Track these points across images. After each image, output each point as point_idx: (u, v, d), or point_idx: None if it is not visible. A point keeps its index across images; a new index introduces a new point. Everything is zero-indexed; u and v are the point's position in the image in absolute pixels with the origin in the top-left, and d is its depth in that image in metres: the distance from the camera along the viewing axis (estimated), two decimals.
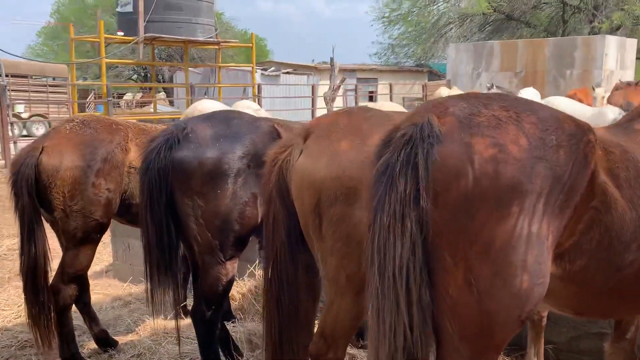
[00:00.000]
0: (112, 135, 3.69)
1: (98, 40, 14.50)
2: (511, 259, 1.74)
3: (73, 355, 3.77)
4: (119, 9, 15.83)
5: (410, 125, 1.84)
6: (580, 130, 1.88)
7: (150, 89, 39.48)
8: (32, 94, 20.27)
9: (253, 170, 3.15)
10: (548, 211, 1.77)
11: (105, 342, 4.14)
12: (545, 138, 1.80)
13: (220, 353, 3.49)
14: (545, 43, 22.62)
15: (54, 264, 3.84)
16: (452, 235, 1.75)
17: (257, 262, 4.81)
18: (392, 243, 1.79)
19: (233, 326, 4.21)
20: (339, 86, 20.22)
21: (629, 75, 23.03)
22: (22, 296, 5.26)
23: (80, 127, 3.65)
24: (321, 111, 20.13)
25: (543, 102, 7.34)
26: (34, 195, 3.48)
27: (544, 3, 29.47)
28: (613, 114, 7.82)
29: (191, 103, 15.68)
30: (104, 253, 6.48)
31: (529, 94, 15.81)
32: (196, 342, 4.18)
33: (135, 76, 41.52)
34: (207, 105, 7.23)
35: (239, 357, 3.72)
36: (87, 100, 30.21)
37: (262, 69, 23.87)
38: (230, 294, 4.35)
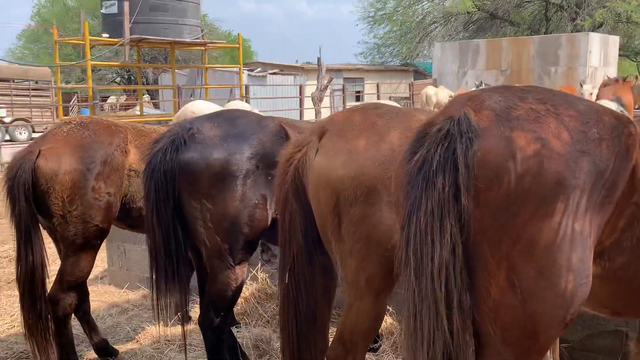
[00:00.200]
0: (112, 137, 3.56)
1: (83, 42, 14.23)
2: (556, 257, 1.66)
3: None
4: (103, 11, 15.55)
5: (446, 119, 1.76)
6: (620, 122, 1.81)
7: (134, 91, 39.14)
8: (14, 98, 19.88)
9: (262, 171, 3.05)
10: (590, 208, 1.70)
11: (106, 351, 4.01)
12: (587, 131, 1.73)
13: None
14: (530, 41, 22.79)
15: (50, 269, 3.71)
16: (494, 234, 1.66)
17: (259, 265, 4.70)
18: (430, 244, 1.70)
19: (238, 331, 4.10)
20: (327, 86, 20.16)
21: (612, 72, 23.25)
22: (16, 305, 5.12)
23: (78, 129, 3.51)
24: (309, 111, 20.05)
25: None
26: (31, 201, 3.34)
27: (526, 1, 29.70)
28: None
29: (178, 105, 15.48)
30: (97, 258, 6.29)
31: None
32: (200, 349, 4.07)
33: (118, 79, 41.04)
34: (199, 107, 7.08)
35: None
36: (71, 103, 29.78)
37: (248, 70, 23.71)
38: None
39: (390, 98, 27.51)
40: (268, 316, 4.37)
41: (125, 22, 14.22)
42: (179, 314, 4.55)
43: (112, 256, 5.59)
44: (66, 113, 23.73)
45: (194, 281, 3.77)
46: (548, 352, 3.35)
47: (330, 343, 2.69)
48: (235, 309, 4.49)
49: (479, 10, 27.62)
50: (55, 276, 3.66)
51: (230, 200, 2.96)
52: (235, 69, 22.12)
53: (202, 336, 3.35)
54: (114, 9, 14.95)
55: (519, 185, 1.64)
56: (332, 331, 2.93)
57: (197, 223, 2.99)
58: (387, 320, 4.01)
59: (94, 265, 6.18)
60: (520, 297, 1.68)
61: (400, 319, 2.20)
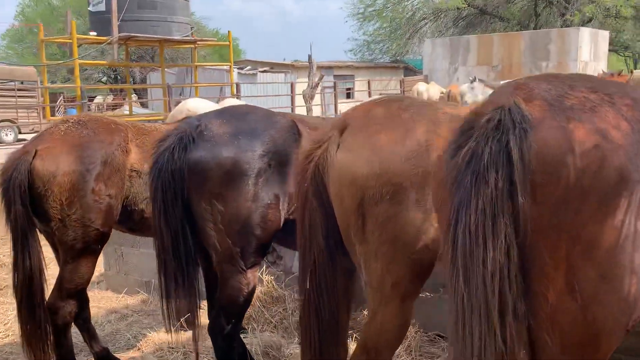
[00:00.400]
0: (112, 136, 3.38)
1: (70, 41, 13.93)
2: (619, 259, 1.52)
3: None
4: (90, 8, 15.24)
5: (496, 109, 1.61)
6: None
7: (121, 91, 38.65)
8: None
9: (274, 169, 2.89)
10: None
11: None
12: None
13: None
14: (521, 36, 22.80)
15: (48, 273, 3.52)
16: (552, 234, 1.52)
17: (264, 267, 4.54)
18: (482, 245, 1.55)
19: (245, 337, 3.93)
20: (318, 83, 19.99)
21: (602, 66, 23.36)
22: (10, 313, 4.91)
23: (76, 127, 3.32)
24: (300, 109, 19.86)
25: None
26: (28, 204, 3.14)
27: None
28: None
29: (169, 104, 15.23)
30: None
31: None
32: (205, 356, 3.91)
33: (105, 78, 40.52)
34: (195, 104, 6.89)
35: None
36: (57, 104, 29.29)
37: (238, 68, 23.46)
38: None
39: (380, 95, 27.46)
40: (275, 320, 4.21)
41: (114, 20, 13.94)
42: (181, 319, 4.39)
43: (109, 260, 5.39)
44: (52, 114, 23.32)
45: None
46: None
47: (353, 351, 2.55)
48: None
49: (468, 6, 27.59)
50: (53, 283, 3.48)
51: (242, 201, 2.80)
52: (224, 67, 21.88)
53: (211, 343, 3.20)
54: (102, 7, 14.65)
55: (579, 181, 1.49)
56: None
57: (207, 225, 2.83)
58: None
59: None
60: (580, 301, 1.54)
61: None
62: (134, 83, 31.40)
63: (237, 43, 46.43)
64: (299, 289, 2.49)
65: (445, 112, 2.43)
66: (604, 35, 23.42)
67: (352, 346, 2.83)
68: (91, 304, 5.08)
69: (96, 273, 5.88)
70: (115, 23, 13.91)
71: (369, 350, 2.44)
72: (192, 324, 3.03)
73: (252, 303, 4.47)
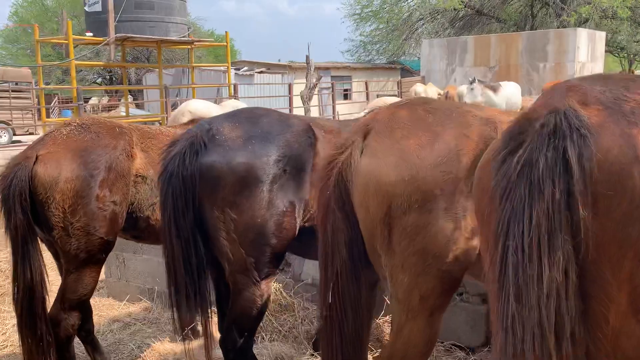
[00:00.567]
0: (116, 140, 3.23)
1: (66, 41, 13.72)
2: None
3: None
4: (86, 8, 15.02)
5: (550, 112, 1.47)
6: None
7: (116, 92, 38.34)
8: None
9: (290, 175, 2.75)
10: None
11: None
12: None
13: None
14: (518, 37, 22.76)
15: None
16: (616, 251, 1.39)
17: None
18: (537, 263, 1.42)
19: (254, 348, 3.79)
20: (316, 84, 19.85)
21: (599, 67, 23.35)
22: (8, 322, 4.75)
23: (79, 131, 3.17)
24: (298, 110, 19.71)
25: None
26: (29, 213, 2.99)
27: None
28: None
29: (166, 105, 15.05)
30: None
31: (511, 88, 15.77)
32: None
33: (99, 80, 40.21)
34: (196, 106, 6.75)
35: None
36: (52, 105, 29.00)
37: (235, 69, 23.28)
38: None
39: (377, 96, 27.32)
40: (285, 330, 4.07)
41: (110, 20, 13.74)
42: (187, 329, 4.24)
43: (110, 266, 5.23)
44: (47, 115, 23.02)
45: None
46: None
47: None
48: None
49: (465, 7, 27.52)
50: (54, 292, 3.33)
51: (257, 209, 2.66)
52: (221, 68, 21.70)
53: (220, 354, 3.05)
54: (98, 7, 14.44)
55: None
56: None
57: (219, 234, 2.68)
58: None
59: None
60: None
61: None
62: (129, 84, 31.14)
63: (233, 44, 46.22)
64: (320, 303, 2.35)
65: (475, 115, 2.31)
66: (601, 36, 23.40)
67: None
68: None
69: None
70: (112, 23, 13.71)
71: None
72: (204, 336, 2.88)
73: None
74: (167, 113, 14.86)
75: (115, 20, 13.87)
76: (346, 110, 23.50)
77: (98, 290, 5.51)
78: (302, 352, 3.82)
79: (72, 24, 13.95)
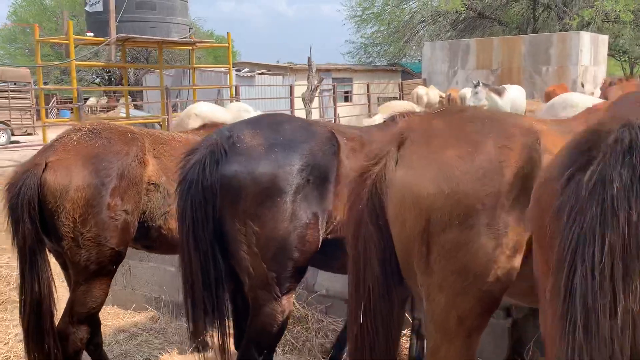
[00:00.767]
0: (128, 146, 3.09)
1: (66, 41, 13.57)
2: None
3: None
4: (87, 8, 14.87)
5: (623, 127, 1.35)
6: None
7: (114, 92, 38.15)
8: None
9: (313, 185, 2.61)
10: None
11: None
12: None
13: None
14: (521, 40, 22.69)
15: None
16: None
17: None
18: (610, 292, 1.29)
19: None
20: (317, 86, 19.73)
21: (601, 71, 23.30)
22: (10, 331, 4.60)
23: (89, 137, 3.03)
24: (299, 112, 19.60)
25: (560, 99, 7.00)
26: (37, 222, 2.85)
27: (514, 1, 29.64)
28: None
29: (166, 106, 14.90)
30: None
31: (515, 92, 15.67)
32: None
33: (98, 80, 40.03)
34: (202, 109, 6.62)
35: None
36: (50, 105, 28.83)
37: (236, 70, 23.15)
38: None
39: (378, 98, 27.20)
40: (299, 343, 3.93)
41: (111, 21, 13.59)
42: (197, 341, 4.10)
43: (116, 274, 5.07)
44: (46, 116, 22.81)
45: None
46: None
47: None
48: None
49: (467, 9, 27.44)
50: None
51: (280, 221, 2.52)
52: (222, 70, 21.57)
53: None
54: (99, 7, 14.28)
55: None
56: None
57: (240, 248, 2.55)
58: None
59: None
60: None
61: None
62: (128, 85, 30.97)
63: (232, 45, 46.12)
64: (350, 322, 2.22)
65: (515, 124, 2.18)
66: (604, 39, 23.35)
67: None
68: None
69: None
70: (113, 24, 13.56)
71: None
72: (220, 353, 2.74)
73: None
74: (167, 114, 14.72)
75: (116, 21, 13.72)
76: (347, 113, 23.39)
77: None
78: None
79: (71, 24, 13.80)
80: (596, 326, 1.32)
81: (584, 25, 25.96)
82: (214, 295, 2.57)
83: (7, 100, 19.63)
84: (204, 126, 3.92)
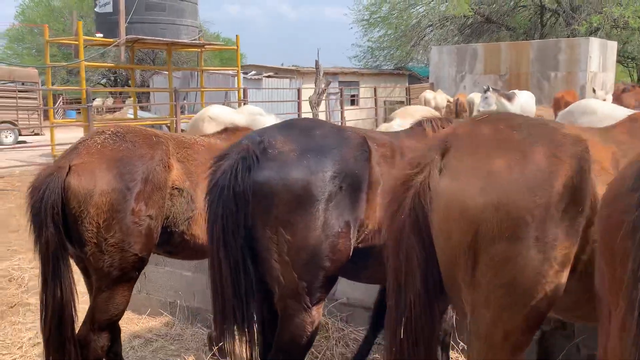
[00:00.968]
0: (153, 149, 3.02)
1: (76, 42, 13.54)
2: None
3: None
4: (97, 9, 14.85)
5: None
6: None
7: (120, 93, 38.18)
8: (0, 100, 19.07)
9: (345, 193, 2.54)
10: None
11: None
12: None
13: None
14: (529, 46, 22.59)
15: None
16: None
17: None
18: None
19: None
20: (324, 90, 19.68)
21: (610, 77, 23.18)
22: (23, 334, 4.53)
23: (114, 140, 2.97)
24: (306, 115, 19.54)
25: (579, 105, 6.91)
26: (61, 227, 2.78)
27: (521, 6, 29.58)
28: None
29: (175, 108, 14.86)
30: None
31: (525, 97, 15.59)
32: None
33: (104, 81, 40.08)
34: (216, 112, 6.55)
35: None
36: (56, 105, 28.83)
37: (243, 73, 23.11)
38: None
39: (384, 102, 27.14)
40: (320, 353, 3.85)
41: (121, 22, 13.56)
42: (215, 348, 4.02)
43: None
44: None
45: None
46: None
47: None
48: None
49: (475, 14, 27.37)
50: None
51: (311, 229, 2.45)
52: (230, 72, 21.55)
53: None
54: (109, 8, 14.26)
55: None
56: None
57: (271, 256, 2.47)
58: None
59: None
60: None
61: None
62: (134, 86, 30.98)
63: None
64: (388, 337, 2.14)
65: (563, 133, 2.10)
66: (613, 45, 23.24)
67: None
68: None
69: None
70: (122, 25, 13.53)
71: None
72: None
73: None
74: (176, 116, 14.68)
75: (126, 22, 13.69)
76: (354, 116, 23.32)
77: None
78: None
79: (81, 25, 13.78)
80: None
81: (592, 32, 25.87)
82: (244, 305, 2.49)
83: (14, 100, 19.65)
84: (225, 130, 3.85)
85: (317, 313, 2.62)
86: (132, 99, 32.02)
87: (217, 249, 2.44)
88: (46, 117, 22.95)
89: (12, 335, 4.54)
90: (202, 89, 17.08)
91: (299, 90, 19.13)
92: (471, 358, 2.08)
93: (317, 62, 19.56)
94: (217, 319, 2.53)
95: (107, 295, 2.96)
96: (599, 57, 21.98)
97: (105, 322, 3.00)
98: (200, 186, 3.22)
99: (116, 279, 2.94)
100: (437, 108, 19.53)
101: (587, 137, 2.18)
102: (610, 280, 1.48)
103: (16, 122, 19.66)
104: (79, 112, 30.19)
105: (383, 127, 6.99)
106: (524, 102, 15.24)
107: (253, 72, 24.14)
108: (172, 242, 3.19)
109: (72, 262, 3.08)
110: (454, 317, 3.31)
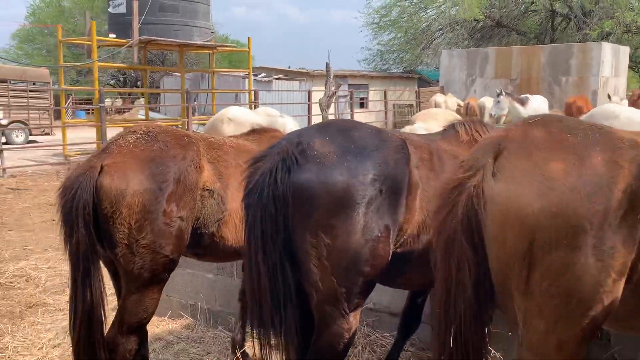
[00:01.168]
0: (185, 150, 2.97)
1: (89, 42, 13.55)
2: None
3: None
4: (110, 10, 14.87)
5: None
6: None
7: (129, 94, 38.28)
8: (11, 99, 19.14)
9: (385, 196, 2.47)
10: None
11: None
12: None
13: None
14: (541, 50, 22.48)
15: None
16: None
17: None
18: None
19: None
20: (335, 92, 19.63)
21: (622, 83, 23.02)
22: (43, 335, 4.49)
23: (145, 140, 2.91)
24: (316, 118, 19.51)
25: (601, 110, 6.83)
26: (92, 228, 2.73)
27: (532, 10, 29.46)
28: None
29: (187, 110, 14.85)
30: None
31: (538, 101, 15.47)
32: None
33: (113, 81, 40.23)
34: (236, 113, 6.51)
35: None
36: (66, 106, 28.93)
37: (252, 75, 23.13)
38: None
39: (394, 105, 27.07)
40: (346, 358, 3.77)
41: (135, 23, 13.57)
42: (238, 352, 3.97)
43: None
44: (60, 115, 22.86)
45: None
46: None
47: None
48: None
49: (486, 17, 27.27)
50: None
51: (352, 233, 2.38)
52: (240, 74, 21.54)
53: None
54: (122, 9, 14.27)
55: None
56: None
57: (309, 261, 2.40)
58: None
59: None
60: None
61: None
62: (142, 87, 31.10)
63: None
64: (436, 348, 2.07)
65: (621, 137, 2.03)
66: (625, 51, 23.09)
67: None
68: None
69: None
70: (136, 26, 13.54)
71: None
72: None
73: None
74: (188, 117, 14.67)
75: (139, 23, 13.70)
76: (363, 120, 23.27)
77: None
78: None
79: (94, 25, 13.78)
80: None
81: (604, 37, 25.72)
82: (281, 310, 2.43)
83: (26, 100, 19.73)
84: (253, 131, 3.80)
85: (355, 320, 2.56)
86: (140, 99, 32.12)
87: (255, 253, 2.38)
88: (57, 117, 23.02)
89: (31, 335, 4.50)
90: (214, 91, 17.07)
91: (309, 93, 19.08)
92: None
93: (327, 64, 19.50)
94: (254, 327, 2.46)
95: (136, 297, 2.91)
96: (611, 62, 21.83)
97: (134, 325, 2.95)
98: (230, 188, 3.17)
99: (146, 281, 2.89)
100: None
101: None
102: None
103: (27, 122, 19.72)
104: (88, 113, 30.31)
105: (407, 129, 6.93)
106: (537, 106, 15.11)
107: (263, 74, 24.14)
108: (201, 244, 3.14)
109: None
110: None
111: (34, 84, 20.50)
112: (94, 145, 14.29)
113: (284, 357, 2.53)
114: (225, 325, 4.54)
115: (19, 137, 19.17)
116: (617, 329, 2.38)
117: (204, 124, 14.24)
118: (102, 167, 2.77)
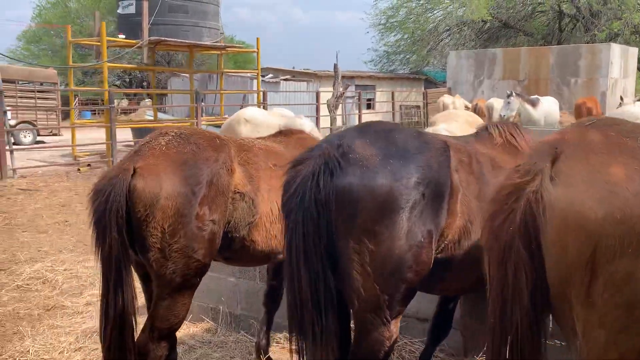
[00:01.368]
0: (217, 152, 2.92)
1: (99, 43, 13.53)
2: None
3: None
4: (119, 11, 14.83)
5: None
6: None
7: (135, 95, 38.27)
8: (19, 100, 19.15)
9: (428, 201, 2.41)
10: None
11: None
12: None
13: None
14: (549, 51, 22.36)
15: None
16: None
17: None
18: None
19: None
20: (343, 93, 19.58)
21: (631, 84, 22.88)
22: (63, 339, 4.43)
23: (178, 142, 2.86)
24: (324, 119, 19.47)
25: (621, 112, 6.75)
26: (125, 231, 2.67)
27: (539, 11, 29.34)
28: None
29: (196, 110, 14.81)
30: None
31: (549, 103, 15.37)
32: None
33: (119, 82, 40.24)
34: (252, 114, 6.46)
35: None
36: (73, 106, 28.93)
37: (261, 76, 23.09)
38: None
39: (400, 106, 27.00)
40: None
41: (144, 23, 13.53)
42: (263, 358, 3.90)
43: None
44: (67, 116, 22.89)
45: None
46: None
47: None
48: None
49: (493, 18, 27.16)
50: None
51: (396, 239, 2.32)
52: (248, 75, 21.50)
53: None
54: (132, 9, 14.24)
55: None
56: None
57: (352, 267, 2.34)
58: None
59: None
60: None
61: None
62: (149, 87, 31.07)
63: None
64: (491, 358, 2.00)
65: None
66: (634, 52, 22.97)
67: None
68: None
69: None
70: (145, 26, 13.50)
71: None
72: None
73: None
74: (197, 118, 14.63)
75: (149, 23, 13.66)
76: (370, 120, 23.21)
77: None
78: None
79: (92, 26, 13.76)
80: None
81: (612, 38, 25.58)
82: (322, 318, 2.36)
83: (33, 101, 19.73)
84: (280, 132, 3.74)
85: (396, 328, 2.49)
86: (146, 100, 32.11)
87: (296, 258, 2.31)
88: (64, 118, 23.03)
89: (52, 339, 4.44)
90: (222, 91, 17.03)
91: (317, 94, 19.03)
92: None
93: (335, 65, 19.46)
94: (293, 336, 2.40)
95: (168, 303, 2.85)
96: (620, 63, 21.71)
97: (165, 331, 2.89)
98: (261, 190, 3.11)
99: (178, 286, 2.83)
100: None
101: None
102: None
103: (35, 122, 19.72)
104: (94, 113, 30.31)
105: (429, 131, 6.85)
106: (548, 108, 15.02)
107: (270, 75, 24.10)
108: (232, 248, 3.08)
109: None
110: None
111: (42, 84, 20.50)
112: (104, 146, 14.26)
113: None
114: (247, 329, 4.48)
115: (27, 137, 19.16)
116: None
117: (213, 125, 14.21)
118: (134, 170, 2.71)
